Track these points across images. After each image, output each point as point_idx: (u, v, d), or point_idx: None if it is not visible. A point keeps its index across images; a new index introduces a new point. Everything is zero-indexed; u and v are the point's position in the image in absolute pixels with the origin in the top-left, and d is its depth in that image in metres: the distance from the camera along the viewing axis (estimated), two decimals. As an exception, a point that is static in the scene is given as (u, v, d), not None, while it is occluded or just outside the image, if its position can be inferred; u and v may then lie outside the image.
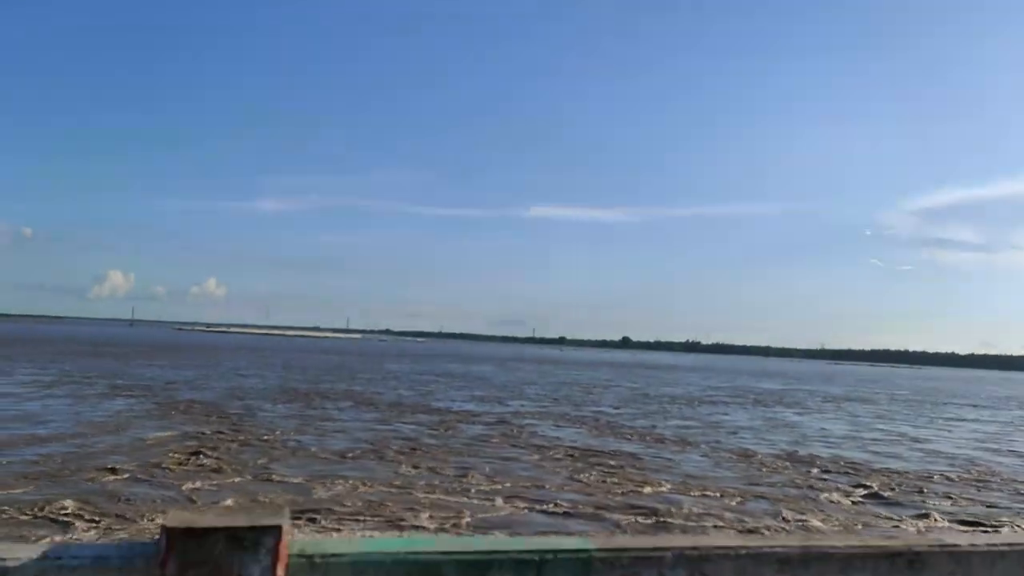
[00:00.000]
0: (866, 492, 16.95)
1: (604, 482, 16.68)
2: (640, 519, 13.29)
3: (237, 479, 15.51)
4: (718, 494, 15.89)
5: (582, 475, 17.39)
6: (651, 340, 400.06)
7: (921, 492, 17.40)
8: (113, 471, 15.48)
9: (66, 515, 11.98)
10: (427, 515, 12.88)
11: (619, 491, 15.70)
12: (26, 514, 11.86)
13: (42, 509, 12.17)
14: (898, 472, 20.10)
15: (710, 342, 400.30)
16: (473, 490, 15.19)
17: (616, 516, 13.45)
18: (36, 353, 61.33)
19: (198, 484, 14.78)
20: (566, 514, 13.57)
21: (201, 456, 17.60)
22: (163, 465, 16.34)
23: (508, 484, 16.01)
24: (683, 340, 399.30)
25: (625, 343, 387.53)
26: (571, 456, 20.20)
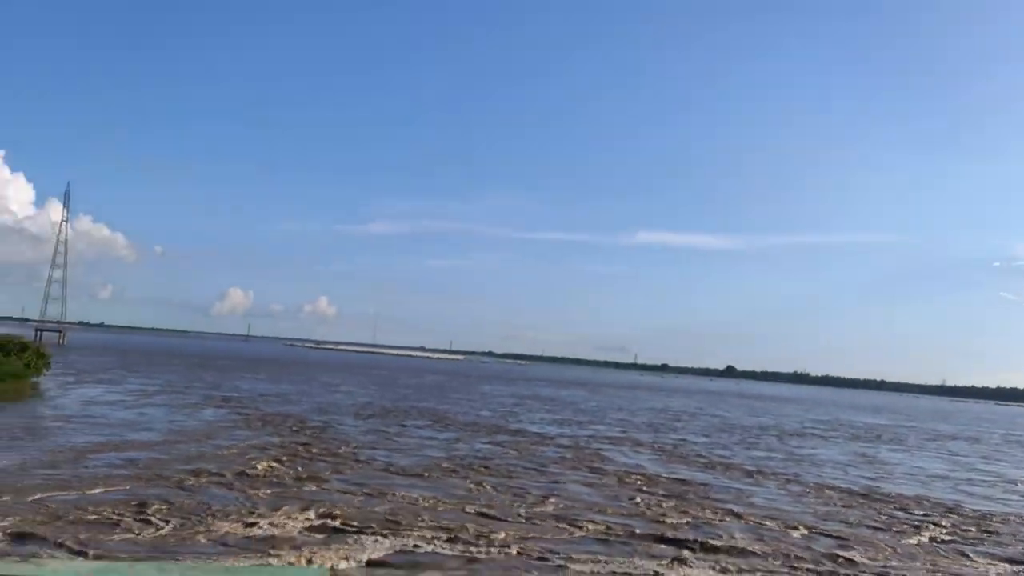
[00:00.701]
0: (941, 532, 16.07)
1: (662, 509, 16.41)
2: (680, 548, 13.04)
3: (303, 488, 16.02)
4: (781, 527, 15.38)
5: (641, 501, 17.15)
6: (757, 370, 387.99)
7: (1000, 535, 16.37)
8: (192, 475, 16.28)
9: (139, 517, 12.66)
10: (472, 529, 13.00)
11: (673, 520, 15.40)
12: (99, 513, 12.62)
13: (115, 510, 12.91)
14: (985, 514, 18.96)
15: (819, 374, 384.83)
16: (525, 510, 15.21)
17: (661, 547, 13.24)
18: (151, 364, 64.95)
19: (268, 492, 15.36)
20: (604, 540, 13.44)
21: (273, 465, 18.28)
22: (236, 472, 17.05)
23: (563, 506, 15.97)
24: (791, 371, 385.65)
25: (729, 372, 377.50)
26: (637, 482, 19.94)
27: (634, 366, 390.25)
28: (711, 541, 13.63)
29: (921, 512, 18.68)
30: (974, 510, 19.60)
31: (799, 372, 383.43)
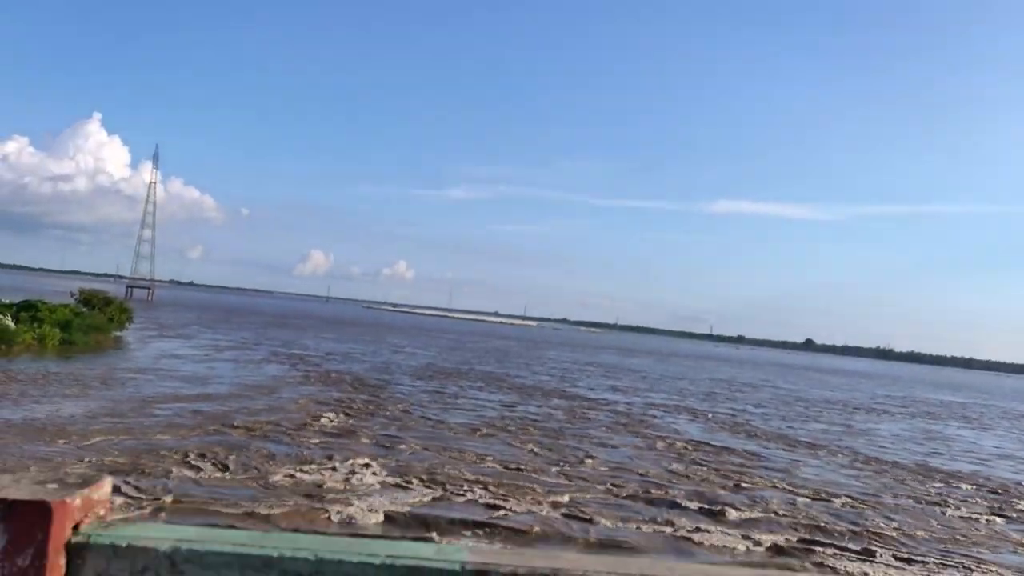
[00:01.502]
0: (985, 509, 15.75)
1: (703, 476, 16.49)
2: (711, 514, 13.16)
3: (356, 441, 16.66)
4: (820, 498, 15.30)
5: (684, 468, 17.25)
6: (838, 344, 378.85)
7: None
8: (250, 427, 17.11)
9: (193, 463, 13.44)
10: (513, 485, 13.38)
11: (712, 487, 15.50)
12: (156, 458, 13.45)
13: (172, 456, 13.73)
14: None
15: (904, 350, 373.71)
16: (567, 470, 15.52)
17: (693, 512, 13.37)
18: (229, 322, 67.41)
19: (321, 443, 16.06)
20: (639, 503, 13.64)
21: (329, 419, 19.02)
22: (294, 425, 17.83)
23: (605, 468, 16.22)
24: (873, 346, 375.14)
25: (808, 345, 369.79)
26: (684, 449, 20.01)
27: (709, 337, 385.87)
28: (745, 508, 13.70)
29: (971, 489, 18.29)
30: (1031, 490, 19.09)
31: (882, 348, 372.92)
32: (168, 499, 10.92)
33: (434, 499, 12.51)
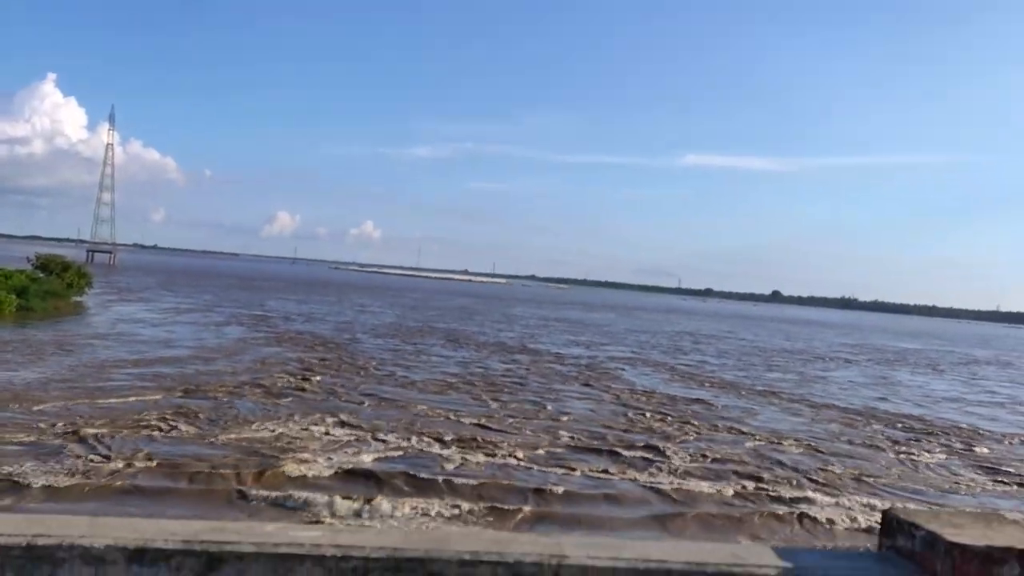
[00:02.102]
0: (922, 448, 16.39)
1: (658, 424, 16.86)
2: (661, 460, 13.51)
3: (317, 399, 16.77)
4: (774, 443, 15.72)
5: (640, 417, 17.61)
6: (804, 295, 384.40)
7: (982, 451, 16.77)
8: (210, 388, 17.11)
9: (146, 424, 13.45)
10: (471, 437, 13.61)
11: (664, 434, 15.86)
12: (110, 420, 13.46)
13: (135, 417, 13.73)
14: (977, 433, 19.27)
15: (868, 299, 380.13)
16: (525, 422, 15.78)
17: (644, 459, 13.70)
18: (192, 285, 66.79)
19: (283, 402, 16.11)
20: (592, 451, 13.96)
21: (291, 379, 19.07)
22: (254, 384, 17.88)
23: (563, 419, 16.52)
24: (838, 296, 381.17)
25: (775, 297, 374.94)
26: (641, 400, 20.39)
27: (678, 291, 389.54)
28: (699, 456, 14.02)
29: (914, 429, 18.95)
30: (969, 428, 19.79)
31: (847, 297, 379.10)
32: (121, 462, 10.96)
33: (394, 455, 12.64)
